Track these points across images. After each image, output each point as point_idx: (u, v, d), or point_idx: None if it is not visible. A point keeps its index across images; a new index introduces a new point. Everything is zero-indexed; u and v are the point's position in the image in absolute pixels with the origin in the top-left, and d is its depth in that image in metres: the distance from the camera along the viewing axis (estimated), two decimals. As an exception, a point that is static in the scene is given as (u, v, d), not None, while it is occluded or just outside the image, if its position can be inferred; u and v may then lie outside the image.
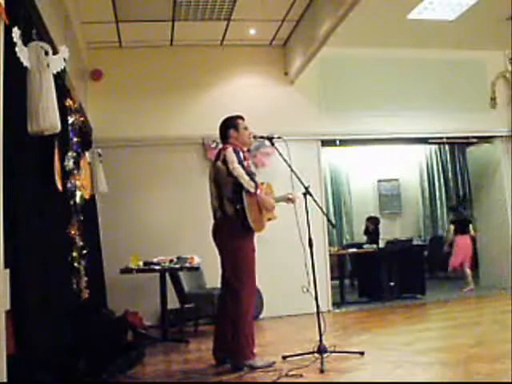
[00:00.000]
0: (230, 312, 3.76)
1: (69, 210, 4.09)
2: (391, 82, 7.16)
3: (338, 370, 3.57)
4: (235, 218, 3.72)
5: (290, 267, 5.88)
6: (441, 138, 7.60)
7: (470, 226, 8.00)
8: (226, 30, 6.40)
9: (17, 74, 2.69)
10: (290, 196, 4.06)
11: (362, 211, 10.20)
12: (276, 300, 6.25)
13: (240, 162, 3.74)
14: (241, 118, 4.08)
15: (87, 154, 5.26)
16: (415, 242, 8.54)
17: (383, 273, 7.15)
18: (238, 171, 3.70)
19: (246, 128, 4.04)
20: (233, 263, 3.78)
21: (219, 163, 3.79)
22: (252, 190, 3.72)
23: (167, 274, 5.36)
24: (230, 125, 4.02)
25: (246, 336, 3.71)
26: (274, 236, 6.19)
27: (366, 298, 7.32)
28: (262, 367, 3.68)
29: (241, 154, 3.83)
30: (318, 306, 3.88)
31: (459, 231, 7.92)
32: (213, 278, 5.07)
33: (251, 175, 3.75)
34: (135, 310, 5.70)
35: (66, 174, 3.94)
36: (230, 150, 3.79)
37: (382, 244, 7.77)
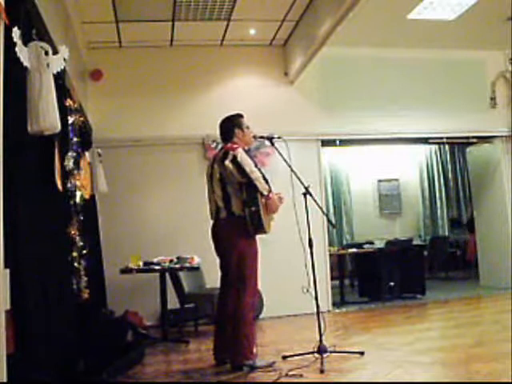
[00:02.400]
0: (230, 312, 3.76)
1: (69, 210, 4.09)
2: (391, 82, 7.16)
3: (338, 370, 3.58)
4: (249, 219, 3.70)
5: (290, 267, 5.88)
6: (441, 138, 7.60)
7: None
8: (225, 30, 6.39)
9: (17, 74, 2.68)
10: (280, 196, 4.03)
11: (362, 211, 10.21)
12: (276, 300, 6.25)
13: (256, 165, 3.77)
14: (242, 116, 4.08)
15: (87, 154, 5.26)
16: (415, 242, 8.54)
17: (383, 273, 7.15)
18: (256, 174, 3.72)
19: (248, 127, 4.05)
20: (238, 263, 3.77)
21: (228, 163, 3.74)
22: (265, 193, 3.74)
23: (167, 274, 5.36)
24: (234, 124, 4.01)
25: (246, 336, 3.70)
26: (274, 236, 6.19)
27: (366, 298, 7.32)
28: (261, 367, 3.68)
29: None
30: (317, 306, 3.89)
31: (471, 231, 9.05)
32: (213, 278, 5.06)
33: (265, 178, 3.77)
34: (135, 310, 5.71)
35: (66, 174, 3.94)
36: (240, 150, 3.80)
37: (381, 244, 7.76)
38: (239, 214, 3.76)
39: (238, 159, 3.73)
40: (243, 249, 3.77)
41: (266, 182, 3.78)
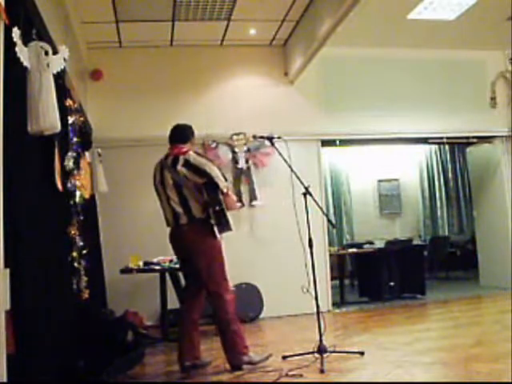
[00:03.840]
0: (217, 316, 3.78)
1: (69, 210, 4.09)
2: (391, 82, 7.16)
3: (338, 369, 3.58)
4: (214, 219, 3.67)
5: (290, 267, 5.88)
6: (441, 138, 7.59)
7: None
8: (225, 30, 6.39)
9: (17, 74, 2.68)
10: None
11: (362, 211, 10.21)
12: (276, 300, 6.25)
13: (211, 161, 3.78)
14: None
15: (87, 153, 5.25)
16: (415, 242, 8.54)
17: (383, 273, 7.15)
18: (216, 172, 3.71)
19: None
20: (209, 267, 3.74)
21: (180, 167, 3.73)
22: (225, 191, 3.75)
23: (167, 274, 5.36)
24: (192, 132, 4.13)
25: (236, 332, 3.73)
26: (274, 236, 6.21)
27: (366, 298, 7.32)
28: (260, 361, 3.72)
29: None
30: (318, 306, 3.89)
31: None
32: (213, 277, 5.06)
33: (224, 175, 3.77)
34: (135, 310, 5.71)
35: (66, 174, 3.94)
36: (191, 152, 3.82)
37: (381, 244, 7.77)
38: (200, 216, 3.73)
39: (192, 161, 3.73)
40: (210, 252, 3.75)
41: (225, 179, 3.79)
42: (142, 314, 5.78)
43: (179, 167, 3.73)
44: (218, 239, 3.80)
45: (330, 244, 7.64)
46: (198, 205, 3.73)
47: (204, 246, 3.74)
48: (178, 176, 3.74)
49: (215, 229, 3.70)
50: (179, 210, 3.77)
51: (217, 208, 3.67)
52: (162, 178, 3.87)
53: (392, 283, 7.13)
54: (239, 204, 3.98)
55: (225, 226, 3.72)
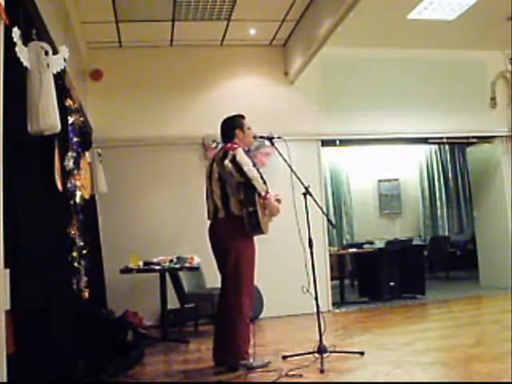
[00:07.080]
0: (227, 312, 3.76)
1: (69, 210, 4.09)
2: (391, 82, 7.16)
3: (338, 370, 3.58)
4: (246, 219, 3.70)
5: (290, 267, 5.88)
6: (441, 138, 7.60)
7: None
8: (225, 30, 6.39)
9: (17, 74, 2.68)
10: (278, 197, 4.03)
11: (362, 211, 10.21)
12: (276, 300, 6.25)
13: (254, 165, 3.77)
14: (244, 117, 4.08)
15: (87, 153, 5.26)
16: (415, 242, 8.54)
17: (383, 273, 7.15)
18: (254, 174, 3.71)
19: (249, 128, 4.05)
20: (235, 264, 3.76)
21: (227, 162, 3.73)
22: (263, 194, 3.74)
23: (167, 274, 5.36)
24: (235, 125, 4.01)
25: (242, 336, 3.71)
26: (274, 236, 6.19)
27: (366, 298, 7.32)
28: (257, 367, 3.69)
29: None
30: (318, 306, 3.89)
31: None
32: (213, 278, 5.07)
33: (263, 178, 3.76)
34: (135, 310, 5.71)
35: (66, 174, 3.94)
36: (240, 150, 3.78)
37: (381, 244, 7.76)
38: (237, 213, 3.75)
39: (237, 159, 3.72)
40: (241, 249, 3.77)
41: (264, 182, 3.78)
42: (142, 314, 5.78)
43: (226, 162, 3.74)
44: (251, 239, 3.84)
45: (330, 244, 7.64)
46: (236, 202, 3.76)
47: (235, 243, 3.76)
48: (223, 170, 3.78)
49: (247, 229, 3.72)
50: (219, 204, 3.82)
51: (250, 209, 3.68)
52: (210, 170, 3.94)
53: (392, 283, 7.13)
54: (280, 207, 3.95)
55: (255, 228, 3.72)
